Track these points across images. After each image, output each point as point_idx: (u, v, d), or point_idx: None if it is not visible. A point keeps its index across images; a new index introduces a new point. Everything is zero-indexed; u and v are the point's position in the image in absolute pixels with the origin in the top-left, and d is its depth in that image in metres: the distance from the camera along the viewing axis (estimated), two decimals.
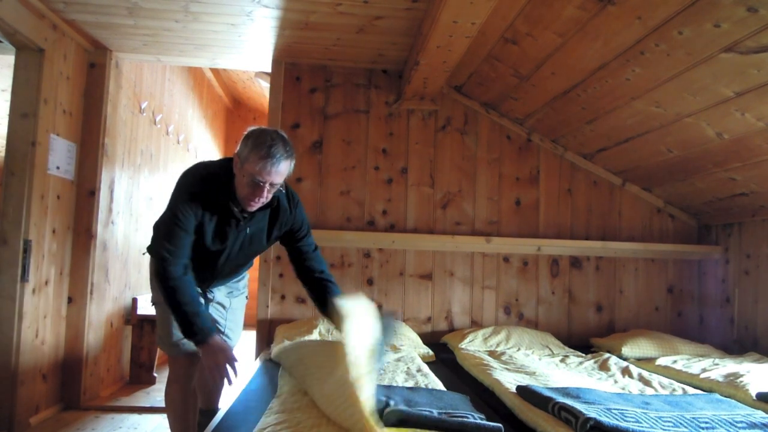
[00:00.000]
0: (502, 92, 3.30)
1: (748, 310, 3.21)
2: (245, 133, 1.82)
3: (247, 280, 2.40)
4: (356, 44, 3.15)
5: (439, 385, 2.07)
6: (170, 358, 2.10)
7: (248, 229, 1.94)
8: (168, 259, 1.77)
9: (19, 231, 2.81)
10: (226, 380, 1.74)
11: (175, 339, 2.01)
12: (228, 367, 1.72)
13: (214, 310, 2.18)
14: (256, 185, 1.75)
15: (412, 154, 3.51)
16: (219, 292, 2.20)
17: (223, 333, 2.21)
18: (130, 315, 3.98)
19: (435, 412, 1.56)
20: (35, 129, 2.86)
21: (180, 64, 4.40)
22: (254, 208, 1.84)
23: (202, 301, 2.05)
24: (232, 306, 2.26)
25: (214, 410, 2.30)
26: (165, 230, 1.81)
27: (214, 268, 2.04)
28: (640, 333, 3.14)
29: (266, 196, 1.79)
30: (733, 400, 1.97)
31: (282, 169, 1.77)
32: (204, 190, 1.82)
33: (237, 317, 2.30)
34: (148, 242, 2.15)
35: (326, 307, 1.99)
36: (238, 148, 1.80)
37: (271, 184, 1.77)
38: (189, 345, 2.00)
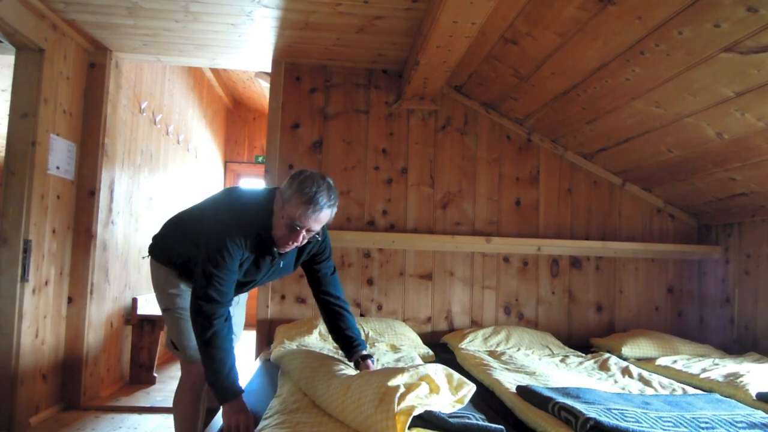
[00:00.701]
0: (502, 92, 3.30)
1: (748, 310, 3.21)
2: (292, 173, 1.79)
3: None
4: (356, 44, 3.15)
5: None
6: (185, 364, 2.07)
7: (281, 262, 1.95)
8: (215, 303, 1.71)
9: (19, 231, 2.81)
10: None
11: (194, 346, 1.93)
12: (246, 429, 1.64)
13: None
14: (293, 229, 1.72)
15: (412, 154, 3.51)
16: None
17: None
18: (130, 315, 3.98)
19: (436, 411, 1.56)
20: (35, 129, 2.86)
21: (180, 64, 4.40)
22: (287, 250, 1.82)
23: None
24: (240, 302, 2.28)
25: (218, 408, 2.30)
26: (213, 269, 1.72)
27: (239, 293, 2.06)
28: (640, 333, 3.14)
29: (301, 242, 1.77)
30: (733, 400, 1.97)
31: (323, 218, 1.73)
32: (248, 230, 1.77)
33: (242, 312, 2.32)
34: (149, 243, 2.14)
35: (338, 335, 2.03)
36: (282, 185, 1.78)
37: (308, 230, 1.74)
38: None
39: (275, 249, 1.83)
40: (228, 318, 1.75)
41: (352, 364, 2.01)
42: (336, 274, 2.13)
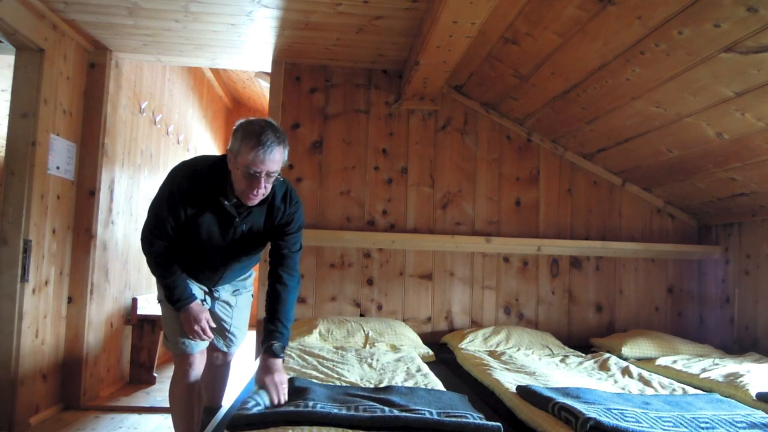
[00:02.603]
0: (502, 92, 3.30)
1: (748, 310, 3.21)
2: (234, 126, 1.79)
3: (253, 278, 2.40)
4: (356, 44, 3.15)
5: (438, 385, 2.07)
6: (175, 356, 2.10)
7: (244, 225, 1.92)
8: (151, 239, 1.91)
9: (19, 231, 2.80)
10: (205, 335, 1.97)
11: (181, 338, 2.03)
12: (201, 328, 1.94)
13: (220, 309, 2.20)
14: (253, 177, 1.72)
15: (412, 154, 3.51)
16: (225, 291, 2.21)
17: (228, 331, 2.23)
18: (130, 315, 3.98)
19: (434, 412, 1.56)
20: (35, 129, 2.85)
21: (180, 64, 4.40)
22: (254, 202, 1.80)
23: (203, 293, 2.14)
24: (238, 304, 2.26)
25: (218, 408, 2.31)
26: (151, 217, 1.91)
27: (218, 266, 2.05)
28: (640, 333, 3.15)
29: (265, 187, 1.75)
30: (733, 400, 1.97)
31: (276, 157, 1.72)
32: (191, 188, 1.83)
33: (243, 315, 2.30)
34: None
35: (267, 318, 1.93)
36: (230, 145, 1.77)
37: (268, 174, 1.73)
38: (194, 345, 2.05)
39: (228, 205, 1.83)
40: (168, 249, 1.92)
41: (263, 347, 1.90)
42: (299, 252, 2.04)
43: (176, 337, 2.04)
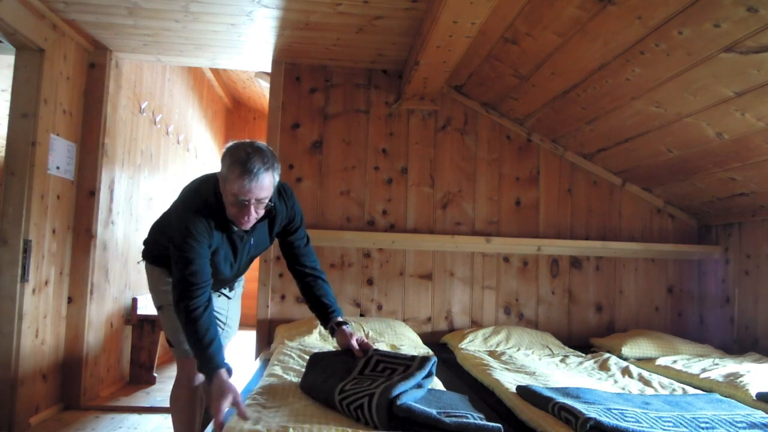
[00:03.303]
0: (502, 92, 3.30)
1: (748, 310, 3.21)
2: (222, 150, 1.74)
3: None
4: (356, 44, 3.15)
5: (438, 385, 2.07)
6: (179, 361, 2.09)
7: (252, 240, 1.93)
8: (193, 292, 1.69)
9: (19, 231, 2.80)
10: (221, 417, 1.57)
11: (186, 344, 1.89)
12: (234, 405, 1.58)
13: (219, 301, 2.19)
14: (242, 204, 1.68)
15: (412, 154, 3.51)
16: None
17: (225, 323, 2.22)
18: (130, 315, 3.98)
19: (434, 412, 1.56)
20: (35, 129, 2.86)
21: (180, 64, 4.40)
22: (248, 226, 1.77)
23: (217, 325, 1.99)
24: (235, 296, 2.27)
25: None
26: (183, 267, 1.72)
27: (229, 280, 2.08)
28: (640, 333, 3.15)
29: (256, 213, 1.72)
30: (733, 400, 1.97)
31: (264, 183, 1.66)
32: (209, 223, 1.77)
33: (237, 306, 2.31)
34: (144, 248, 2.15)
35: (313, 302, 2.03)
36: (220, 171, 1.72)
37: (257, 200, 1.68)
38: None
39: (235, 228, 1.81)
40: (209, 301, 1.74)
41: (328, 330, 2.00)
42: (310, 245, 2.10)
43: (181, 338, 1.95)
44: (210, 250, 1.78)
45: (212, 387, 1.62)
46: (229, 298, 2.24)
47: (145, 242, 2.14)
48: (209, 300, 1.74)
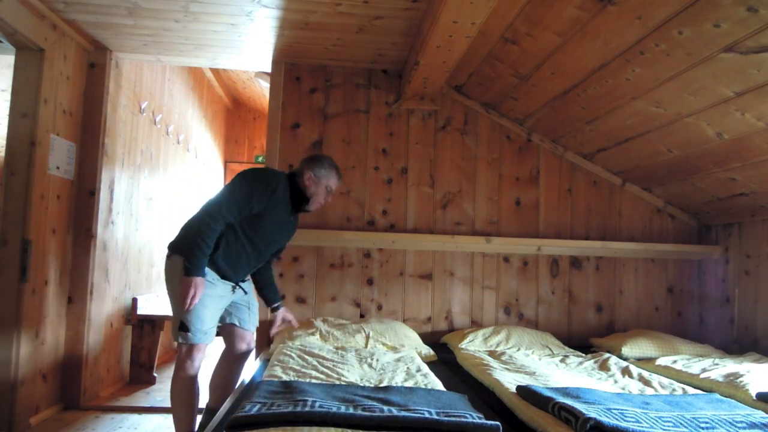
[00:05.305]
0: (502, 92, 3.30)
1: (748, 310, 3.21)
2: (312, 156, 2.54)
3: None
4: (356, 44, 3.16)
5: (438, 385, 2.07)
6: (188, 346, 2.28)
7: (293, 219, 2.56)
8: (218, 217, 2.25)
9: (19, 231, 2.81)
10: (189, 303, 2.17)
11: (207, 327, 2.29)
12: (193, 298, 2.17)
13: (240, 296, 2.52)
14: (329, 193, 2.52)
15: (412, 154, 3.51)
16: (243, 283, 2.55)
17: (251, 310, 2.59)
18: (130, 315, 3.98)
19: (433, 412, 1.56)
20: (35, 129, 2.86)
21: (180, 64, 4.40)
22: (316, 207, 2.54)
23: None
24: (249, 290, 2.59)
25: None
26: (228, 201, 2.27)
27: (263, 253, 2.48)
28: (640, 333, 3.14)
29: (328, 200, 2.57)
30: (733, 400, 1.96)
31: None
32: (283, 194, 2.40)
33: (255, 300, 2.66)
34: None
35: (259, 289, 2.70)
36: (314, 170, 2.46)
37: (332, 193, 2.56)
38: (211, 334, 2.34)
39: (305, 205, 2.49)
40: (220, 230, 2.28)
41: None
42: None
43: (199, 326, 2.26)
44: (272, 204, 2.34)
45: (188, 283, 2.17)
46: (245, 292, 2.54)
47: (181, 233, 2.38)
48: (220, 233, 2.30)
